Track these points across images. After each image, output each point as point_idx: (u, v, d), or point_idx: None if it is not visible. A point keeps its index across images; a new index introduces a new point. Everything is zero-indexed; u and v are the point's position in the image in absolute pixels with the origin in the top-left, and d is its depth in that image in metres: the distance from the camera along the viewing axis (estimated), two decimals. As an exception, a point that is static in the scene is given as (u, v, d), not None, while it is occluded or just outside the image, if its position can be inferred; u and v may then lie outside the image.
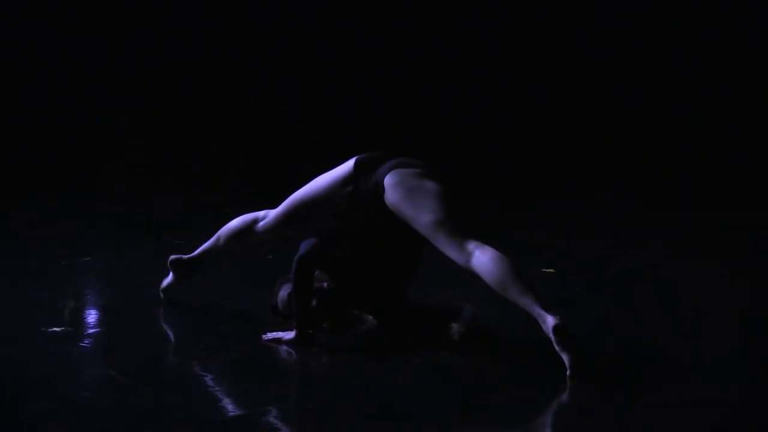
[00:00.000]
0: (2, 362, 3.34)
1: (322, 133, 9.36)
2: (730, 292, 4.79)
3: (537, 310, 3.25)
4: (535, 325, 3.32)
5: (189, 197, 7.72)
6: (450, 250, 3.44)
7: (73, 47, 9.46)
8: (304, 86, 9.68)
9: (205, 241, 4.01)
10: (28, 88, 9.37)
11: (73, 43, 9.46)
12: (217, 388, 3.17)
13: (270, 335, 3.66)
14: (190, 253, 4.04)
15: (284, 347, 3.59)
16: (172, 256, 4.06)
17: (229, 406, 3.00)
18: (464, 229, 3.47)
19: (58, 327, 3.75)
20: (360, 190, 3.62)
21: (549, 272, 5.08)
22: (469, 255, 3.41)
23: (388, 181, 3.54)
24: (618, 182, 8.66)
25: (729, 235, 6.43)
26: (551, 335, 3.18)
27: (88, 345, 3.61)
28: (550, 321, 3.19)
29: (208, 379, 3.26)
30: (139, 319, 3.91)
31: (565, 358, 3.19)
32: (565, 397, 3.14)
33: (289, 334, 3.61)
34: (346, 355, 3.52)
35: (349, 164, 3.69)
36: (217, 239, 3.95)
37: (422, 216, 3.47)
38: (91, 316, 3.99)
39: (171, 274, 4.08)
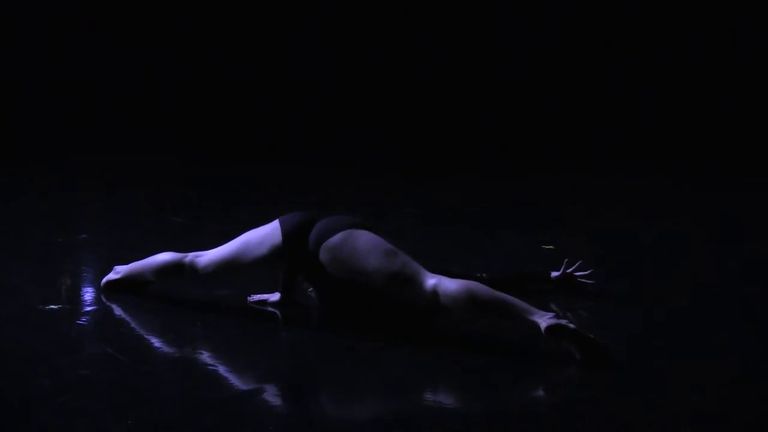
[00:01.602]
0: (1, 340, 3.36)
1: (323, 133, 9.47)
2: (741, 268, 4.82)
3: (529, 319, 3.22)
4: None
5: (189, 174, 7.76)
6: (413, 298, 3.40)
7: (75, 30, 9.66)
8: (303, 87, 9.83)
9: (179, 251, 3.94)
10: (30, 59, 9.50)
11: (76, 26, 9.66)
12: (216, 366, 3.20)
13: (255, 297, 3.87)
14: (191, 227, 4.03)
15: (281, 325, 3.66)
16: (104, 280, 3.99)
17: (228, 384, 3.04)
18: (416, 272, 3.40)
19: (55, 305, 3.77)
20: (296, 261, 3.61)
21: (549, 248, 5.08)
22: (434, 295, 3.34)
23: (324, 257, 3.51)
24: (631, 157, 8.69)
25: (746, 211, 6.49)
26: (548, 337, 3.19)
27: (85, 323, 3.63)
28: (542, 325, 3.19)
29: (207, 357, 3.28)
30: (135, 296, 3.92)
31: (573, 350, 3.21)
32: (568, 375, 3.18)
33: (275, 296, 3.82)
34: (349, 334, 3.53)
35: (276, 235, 3.61)
36: (143, 271, 3.91)
37: (372, 279, 3.43)
38: (88, 294, 4.00)
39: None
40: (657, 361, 3.31)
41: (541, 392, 3.12)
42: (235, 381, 3.10)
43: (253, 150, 9.00)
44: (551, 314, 3.23)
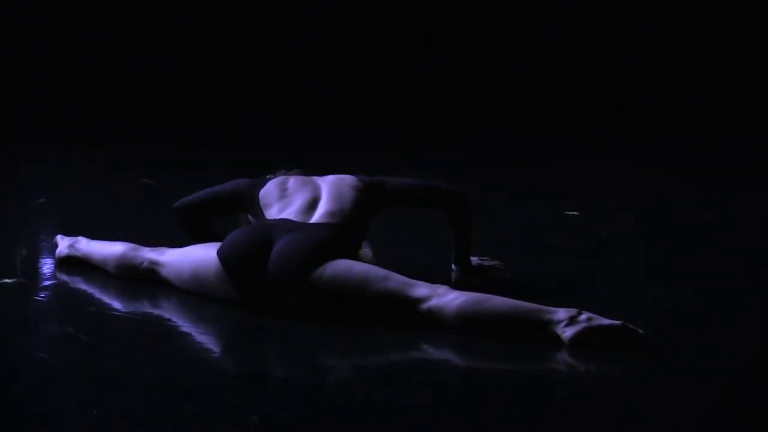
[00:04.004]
0: (-54, 319, 3.30)
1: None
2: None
3: (551, 330, 3.07)
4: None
5: (161, 137, 7.80)
6: (406, 315, 3.22)
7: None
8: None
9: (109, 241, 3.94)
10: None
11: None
12: (193, 349, 3.13)
13: None
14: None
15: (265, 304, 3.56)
16: (62, 253, 3.97)
17: (207, 369, 2.95)
18: (399, 296, 3.21)
19: (9, 279, 3.73)
20: (261, 298, 3.42)
21: (573, 215, 5.06)
22: (429, 316, 3.17)
23: (290, 301, 3.34)
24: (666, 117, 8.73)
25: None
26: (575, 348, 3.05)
27: (44, 299, 3.59)
28: (564, 338, 3.05)
29: (182, 339, 3.22)
30: (99, 269, 3.86)
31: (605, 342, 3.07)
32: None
33: None
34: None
35: (225, 279, 3.42)
36: (102, 260, 3.85)
37: (352, 312, 3.27)
38: (47, 267, 3.96)
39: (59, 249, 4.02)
40: (691, 343, 3.20)
41: (550, 359, 3.02)
42: (215, 366, 3.02)
43: (248, 111, 9.25)
44: (565, 318, 3.07)
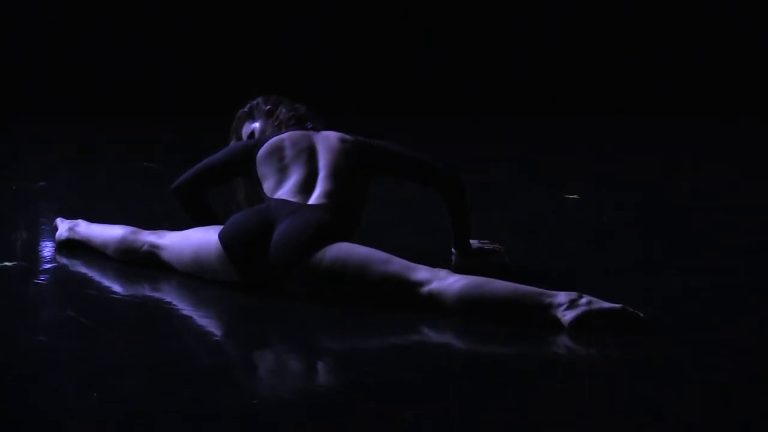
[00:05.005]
0: (-55, 303, 3.29)
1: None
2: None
3: (549, 314, 3.06)
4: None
5: (162, 126, 7.80)
6: (406, 298, 3.20)
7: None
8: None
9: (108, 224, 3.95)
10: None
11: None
12: (193, 333, 3.13)
13: None
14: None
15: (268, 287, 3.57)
16: (62, 236, 3.97)
17: (207, 354, 2.94)
18: (401, 281, 3.19)
19: (9, 262, 3.73)
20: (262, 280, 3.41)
21: (573, 198, 5.05)
22: (430, 300, 3.16)
23: (290, 284, 3.33)
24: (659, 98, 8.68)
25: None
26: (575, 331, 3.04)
27: (44, 282, 3.59)
28: (564, 321, 3.04)
29: (182, 323, 3.22)
30: (99, 252, 3.86)
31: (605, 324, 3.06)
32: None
33: None
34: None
35: (227, 263, 3.42)
36: (102, 244, 3.85)
37: (353, 296, 3.26)
38: (47, 250, 3.95)
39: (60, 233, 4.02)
40: (692, 331, 3.19)
41: (550, 342, 3.01)
42: (216, 349, 3.02)
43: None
44: (565, 302, 3.07)
